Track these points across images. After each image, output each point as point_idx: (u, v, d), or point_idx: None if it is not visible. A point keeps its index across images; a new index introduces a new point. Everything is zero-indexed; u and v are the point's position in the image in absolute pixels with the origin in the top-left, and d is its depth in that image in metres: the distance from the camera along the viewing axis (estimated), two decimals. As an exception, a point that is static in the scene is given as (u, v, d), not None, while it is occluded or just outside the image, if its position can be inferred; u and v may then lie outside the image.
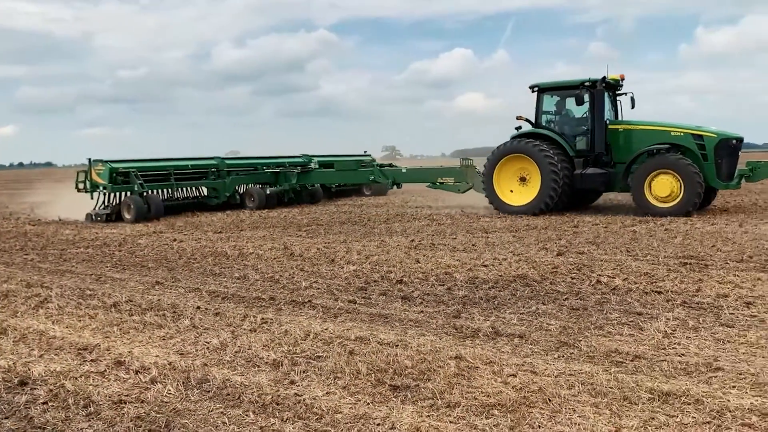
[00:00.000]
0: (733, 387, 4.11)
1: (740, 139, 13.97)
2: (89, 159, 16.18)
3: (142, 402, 4.15)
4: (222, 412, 3.97)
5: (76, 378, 4.61)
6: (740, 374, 4.32)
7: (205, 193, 18.34)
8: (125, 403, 4.12)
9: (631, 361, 4.67)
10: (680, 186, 13.24)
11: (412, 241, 10.89)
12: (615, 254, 9.02)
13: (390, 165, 19.90)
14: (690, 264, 8.12)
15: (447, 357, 4.80)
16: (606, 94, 14.78)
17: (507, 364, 4.63)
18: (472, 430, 3.63)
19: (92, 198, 16.37)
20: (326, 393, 4.23)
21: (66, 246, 11.74)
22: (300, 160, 20.79)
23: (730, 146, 13.68)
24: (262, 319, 6.14)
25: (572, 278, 7.50)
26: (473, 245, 10.25)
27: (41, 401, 4.20)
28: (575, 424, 3.65)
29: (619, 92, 15.36)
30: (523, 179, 14.90)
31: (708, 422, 3.61)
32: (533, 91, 15.46)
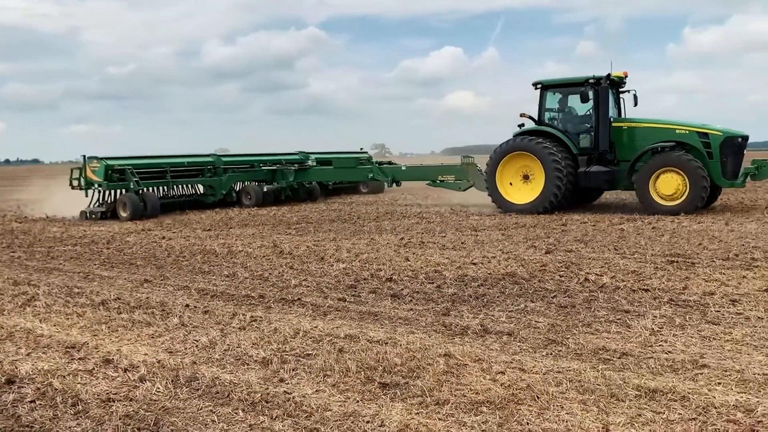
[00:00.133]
0: (719, 384, 4.16)
1: (745, 138, 13.88)
2: (84, 156, 16.00)
3: (130, 400, 4.14)
4: (211, 410, 3.97)
5: (64, 376, 4.59)
6: (725, 371, 4.37)
7: (202, 191, 18.19)
8: (114, 402, 4.11)
9: (619, 358, 4.71)
10: (685, 184, 13.17)
11: (402, 239, 10.91)
12: (603, 252, 9.08)
13: (389, 163, 19.59)
14: (677, 262, 8.19)
15: (436, 354, 4.82)
16: (609, 91, 14.61)
17: (496, 362, 4.66)
18: (461, 427, 3.66)
19: (87, 195, 16.19)
20: (316, 391, 4.24)
21: (53, 243, 11.67)
22: (297, 157, 20.64)
23: (735, 144, 13.58)
24: (252, 317, 6.14)
25: (560, 276, 7.54)
26: (462, 243, 10.28)
27: (29, 400, 4.18)
28: (563, 420, 3.68)
29: (622, 90, 15.21)
30: (526, 177, 14.78)
31: (694, 418, 3.65)
32: (536, 88, 15.28)
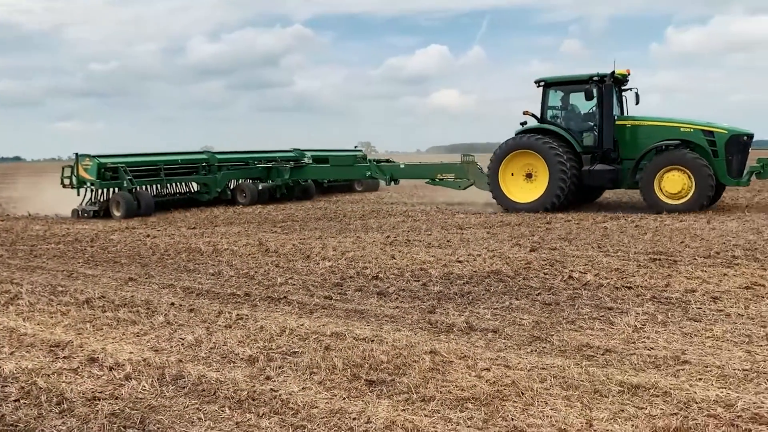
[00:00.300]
0: (700, 379, 4.23)
1: (751, 136, 13.76)
2: (76, 154, 15.73)
3: (116, 399, 4.13)
4: (197, 408, 3.97)
5: (48, 375, 4.57)
6: (706, 367, 4.44)
7: (196, 189, 17.95)
8: (99, 400, 4.09)
9: (602, 354, 4.77)
10: (691, 183, 13.09)
11: (388, 237, 10.94)
12: (586, 250, 9.16)
13: (387, 161, 19.23)
14: (659, 260, 8.28)
15: (422, 352, 4.85)
16: (613, 89, 14.48)
17: (481, 359, 4.70)
18: (447, 423, 3.69)
19: (78, 194, 15.92)
20: (302, 388, 4.25)
21: (36, 242, 11.56)
22: (292, 154, 20.41)
23: (740, 142, 13.47)
24: (238, 315, 6.13)
25: (545, 274, 7.61)
26: (448, 241, 10.33)
27: (13, 399, 4.15)
28: (547, 416, 3.72)
29: (624, 87, 15.07)
30: (529, 175, 14.57)
31: (675, 413, 3.71)
32: (539, 86, 15.06)
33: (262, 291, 7.17)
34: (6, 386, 4.37)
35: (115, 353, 5.04)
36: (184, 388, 4.30)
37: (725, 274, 7.28)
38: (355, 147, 23.83)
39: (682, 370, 4.41)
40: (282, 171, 19.01)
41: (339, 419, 3.77)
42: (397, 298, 6.66)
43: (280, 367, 4.64)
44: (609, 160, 14.34)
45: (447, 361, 4.67)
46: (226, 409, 3.95)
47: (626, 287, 6.84)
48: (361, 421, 3.74)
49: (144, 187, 16.36)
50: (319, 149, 21.94)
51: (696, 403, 3.84)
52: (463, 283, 7.20)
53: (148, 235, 11.97)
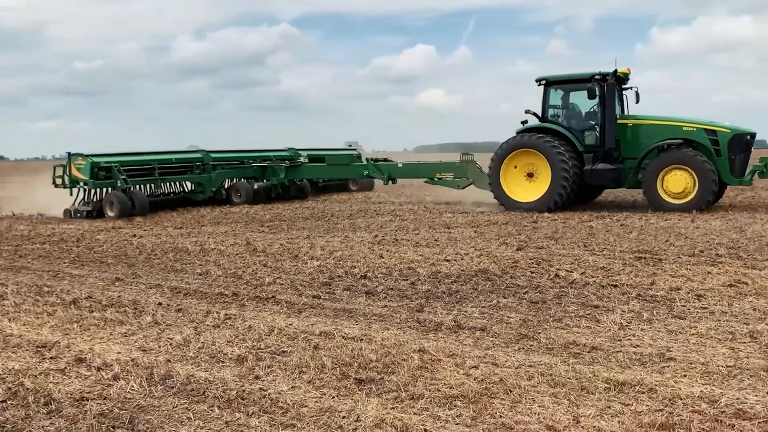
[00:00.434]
0: (684, 376, 4.29)
1: (753, 135, 13.70)
2: (68, 153, 15.45)
3: (104, 399, 4.12)
4: (187, 408, 3.97)
5: (35, 376, 4.54)
6: (691, 364, 4.50)
7: (191, 188, 17.73)
8: (87, 400, 4.08)
9: (589, 352, 4.82)
10: (694, 182, 13.02)
11: (376, 236, 10.96)
12: (573, 249, 9.23)
13: (385, 160, 18.88)
14: (644, 258, 8.37)
15: (411, 350, 4.88)
16: (615, 88, 14.41)
17: (469, 357, 4.73)
18: (436, 421, 3.72)
19: (71, 194, 15.65)
20: (291, 387, 4.26)
21: (21, 242, 11.46)
22: (287, 153, 20.18)
23: (743, 141, 13.43)
24: (226, 315, 6.13)
25: (531, 272, 7.66)
26: (436, 240, 10.37)
27: (0, 399, 4.12)
28: (535, 413, 3.76)
29: (624, 86, 14.94)
30: (530, 175, 14.44)
31: (661, 410, 3.76)
32: (539, 84, 14.93)
33: (250, 291, 7.16)
34: (-8, 387, 4.34)
35: (102, 353, 5.02)
36: (172, 387, 4.29)
37: (709, 272, 7.37)
38: (350, 146, 23.61)
39: (667, 366, 4.47)
40: (277, 170, 18.78)
41: (328, 418, 3.79)
42: (385, 297, 6.69)
43: (269, 367, 4.64)
44: (611, 159, 14.23)
45: (435, 359, 4.70)
46: (216, 408, 3.95)
47: (612, 285, 6.90)
48: (351, 419, 3.76)
49: (138, 186, 16.14)
50: (314, 148, 21.68)
51: (681, 399, 3.90)
52: (451, 282, 7.24)
53: (135, 235, 11.91)
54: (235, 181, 18.53)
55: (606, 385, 4.14)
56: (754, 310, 5.81)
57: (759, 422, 3.57)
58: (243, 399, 4.08)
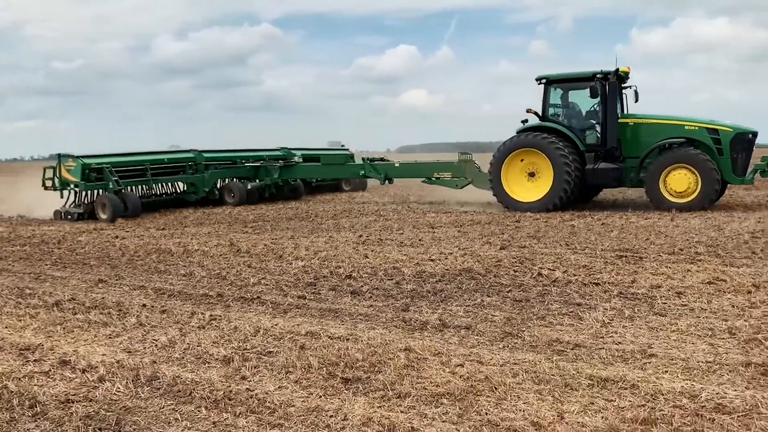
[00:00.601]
0: (666, 372, 4.37)
1: (755, 134, 13.67)
2: (59, 154, 15.15)
3: (90, 401, 4.10)
4: (174, 409, 3.97)
5: (19, 378, 4.51)
6: (672, 360, 4.59)
7: (183, 189, 17.51)
8: (73, 403, 4.06)
9: (572, 349, 4.88)
10: (697, 181, 13.00)
11: (360, 236, 10.98)
12: (555, 248, 9.33)
13: (381, 159, 18.54)
14: (625, 257, 8.48)
15: (397, 349, 4.91)
16: (616, 86, 14.28)
17: (454, 355, 4.77)
18: (423, 418, 3.75)
19: (62, 197, 15.34)
20: (278, 387, 4.28)
21: (1, 244, 11.33)
22: (279, 153, 19.94)
23: (745, 140, 13.41)
24: (211, 316, 6.12)
25: (515, 271, 7.73)
26: (420, 240, 10.41)
27: (-17, 403, 4.09)
28: (520, 410, 3.81)
29: (623, 85, 14.75)
30: (532, 174, 14.33)
31: (643, 405, 3.83)
32: (539, 83, 14.79)
33: (235, 291, 7.16)
34: (-24, 390, 4.30)
35: (87, 355, 4.99)
36: (159, 389, 4.29)
37: (689, 270, 7.48)
38: (342, 146, 23.33)
39: (649, 363, 4.54)
40: (271, 170, 18.55)
41: (316, 417, 3.81)
42: (371, 296, 6.71)
43: (255, 367, 4.65)
44: (612, 158, 14.14)
45: (421, 358, 4.74)
46: (203, 409, 3.95)
47: (594, 284, 6.99)
48: (338, 418, 3.79)
49: (130, 188, 15.88)
50: (308, 148, 21.47)
51: (662, 394, 3.97)
52: (436, 281, 7.29)
53: (117, 237, 11.82)
54: (227, 181, 18.30)
55: (589, 382, 4.20)
56: (733, 306, 5.92)
57: (738, 416, 3.65)
58: (230, 399, 4.09)
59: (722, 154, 13.26)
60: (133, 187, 16.16)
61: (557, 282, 7.12)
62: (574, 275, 7.41)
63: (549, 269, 7.73)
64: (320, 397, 4.10)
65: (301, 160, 19.32)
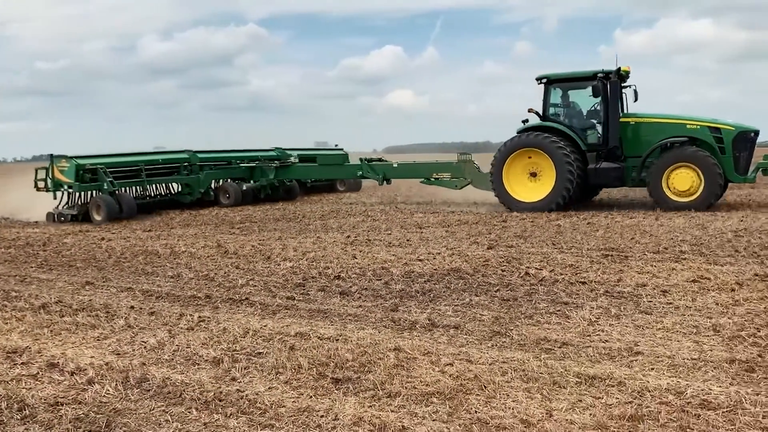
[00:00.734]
0: (652, 369, 4.43)
1: (757, 132, 13.61)
2: (51, 155, 14.92)
3: (79, 403, 4.09)
4: (164, 410, 3.96)
5: (7, 382, 4.49)
6: (658, 357, 4.65)
7: (178, 190, 17.31)
8: (62, 405, 4.05)
9: (559, 347, 4.93)
10: (700, 180, 12.93)
11: (348, 237, 11.00)
12: (542, 247, 9.40)
13: (379, 160, 18.27)
14: (611, 256, 8.56)
15: (386, 349, 4.93)
16: (618, 85, 14.18)
17: (444, 354, 4.81)
18: (413, 417, 3.78)
19: (55, 198, 15.12)
20: (268, 388, 4.28)
21: (-16, 246, 11.22)
22: (274, 153, 19.76)
23: (747, 139, 13.37)
24: (200, 317, 6.11)
25: (502, 270, 7.79)
26: (408, 240, 10.45)
27: (-29, 406, 4.07)
28: (509, 408, 3.85)
29: (623, 84, 14.59)
30: (534, 174, 14.23)
31: (630, 402, 3.88)
32: (540, 83, 14.68)
33: (223, 293, 7.15)
34: (-37, 394, 4.27)
35: (75, 358, 4.97)
36: (149, 390, 4.28)
37: (673, 269, 7.57)
38: (336, 146, 23.16)
39: (635, 360, 4.60)
40: (267, 171, 18.34)
41: (307, 417, 3.82)
42: (359, 297, 6.73)
43: (245, 368, 4.66)
44: (614, 157, 14.07)
45: (411, 357, 4.76)
46: (193, 410, 3.95)
47: (580, 282, 7.06)
48: (329, 418, 3.80)
49: (124, 189, 15.66)
50: (303, 148, 21.31)
51: (649, 391, 4.03)
52: (424, 281, 7.32)
53: (103, 238, 11.75)
54: (222, 182, 18.12)
55: (577, 380, 4.25)
56: (717, 304, 6.00)
57: (723, 412, 3.71)
58: (220, 400, 4.09)
59: (724, 153, 13.20)
60: (127, 189, 15.94)
61: (544, 281, 7.18)
62: (561, 274, 7.48)
63: (536, 268, 7.80)
64: (311, 397, 4.12)
65: (297, 160, 19.13)
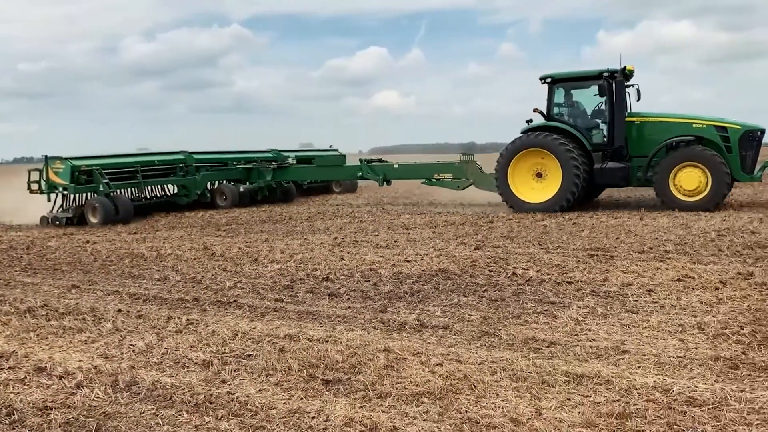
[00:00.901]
0: (639, 367, 4.49)
1: (763, 131, 13.58)
2: (45, 156, 14.64)
3: (68, 407, 4.07)
4: (154, 413, 3.95)
5: (-6, 387, 4.45)
6: (644, 356, 4.71)
7: (174, 191, 17.04)
8: (51, 410, 4.02)
9: (547, 347, 4.98)
10: (707, 179, 12.85)
11: (336, 238, 11.00)
12: (528, 247, 9.47)
13: (379, 160, 17.83)
14: (597, 255, 8.64)
15: (376, 350, 4.95)
16: (624, 84, 14.06)
17: (433, 354, 4.83)
18: (404, 418, 3.80)
19: (49, 200, 14.84)
20: (259, 390, 4.29)
21: (-33, 250, 11.08)
22: (270, 155, 19.53)
23: (753, 138, 13.32)
24: (188, 320, 6.09)
25: (490, 271, 7.83)
26: (395, 241, 10.47)
27: (-42, 412, 4.03)
28: (499, 407, 3.89)
29: (627, 84, 14.41)
30: (539, 175, 14.09)
31: (618, 400, 3.93)
32: (544, 82, 14.52)
33: (211, 295, 7.13)
34: (-51, 399, 4.23)
35: (63, 362, 4.94)
36: (138, 394, 4.27)
37: (658, 268, 7.66)
38: (330, 146, 23.00)
39: (622, 359, 4.66)
40: (264, 172, 18.10)
41: (298, 418, 3.83)
42: (348, 298, 6.75)
43: (235, 370, 4.66)
44: (620, 157, 13.96)
45: (401, 358, 4.79)
46: (184, 413, 3.95)
47: (567, 282, 7.12)
48: (320, 419, 3.82)
49: (119, 190, 15.39)
50: (300, 149, 21.03)
51: (636, 389, 4.08)
52: (413, 282, 7.35)
53: (88, 241, 11.66)
54: (217, 184, 17.91)
55: (565, 378, 4.29)
56: (701, 303, 6.09)
57: (708, 408, 3.77)
58: (211, 403, 4.09)
59: (731, 152, 13.14)
60: (123, 190, 15.67)
61: (531, 281, 7.23)
62: (548, 274, 7.54)
63: (523, 269, 7.85)
64: (302, 398, 4.13)
65: (295, 161, 18.92)
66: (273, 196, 18.65)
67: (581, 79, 14.52)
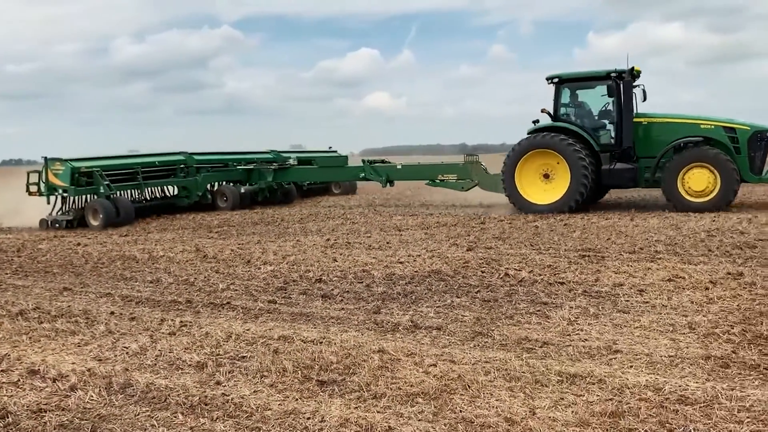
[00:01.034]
0: (631, 367, 4.53)
1: None
2: (45, 158, 14.47)
3: (63, 410, 4.06)
4: (149, 416, 3.96)
5: (-13, 390, 4.43)
6: (636, 355, 4.75)
7: (175, 193, 16.90)
8: (45, 412, 4.02)
9: (540, 347, 5.02)
10: (716, 180, 12.79)
11: (328, 240, 11.01)
12: (520, 248, 9.51)
13: (382, 161, 17.51)
14: (588, 256, 8.70)
15: (370, 351, 4.97)
16: (631, 85, 13.89)
17: (427, 355, 4.86)
18: (399, 418, 3.82)
19: (48, 202, 14.67)
20: (254, 391, 4.30)
21: (-43, 253, 11.01)
22: (269, 156, 19.40)
23: (762, 139, 13.23)
24: (181, 322, 6.09)
25: (482, 272, 7.87)
26: (388, 243, 10.49)
27: (-48, 415, 4.02)
28: (493, 407, 3.92)
29: (633, 84, 14.20)
30: (546, 176, 13.97)
31: (610, 399, 3.97)
32: (550, 83, 14.42)
33: (204, 297, 7.12)
34: (-58, 403, 4.21)
35: (56, 364, 4.93)
36: (133, 396, 4.27)
37: (649, 268, 7.72)
38: (329, 147, 22.87)
39: (615, 358, 4.70)
40: (265, 173, 17.96)
41: (293, 419, 3.85)
42: (342, 299, 6.76)
43: (229, 372, 4.66)
44: (627, 158, 13.88)
45: (395, 358, 4.81)
46: (179, 414, 3.95)
47: (559, 283, 7.17)
48: (316, 420, 3.83)
49: (119, 192, 15.21)
50: (301, 150, 20.85)
51: (628, 388, 4.12)
52: (406, 283, 7.37)
53: (79, 244, 11.61)
54: (217, 185, 17.79)
55: (558, 378, 4.33)
56: (692, 302, 6.15)
57: (700, 406, 3.82)
58: (206, 404, 4.09)
59: (740, 153, 13.08)
60: (123, 192, 15.48)
61: (524, 282, 7.27)
62: (540, 275, 7.58)
63: (515, 269, 7.89)
64: (296, 400, 4.14)
65: (296, 162, 18.79)
66: (274, 198, 18.51)
67: (588, 80, 14.44)
